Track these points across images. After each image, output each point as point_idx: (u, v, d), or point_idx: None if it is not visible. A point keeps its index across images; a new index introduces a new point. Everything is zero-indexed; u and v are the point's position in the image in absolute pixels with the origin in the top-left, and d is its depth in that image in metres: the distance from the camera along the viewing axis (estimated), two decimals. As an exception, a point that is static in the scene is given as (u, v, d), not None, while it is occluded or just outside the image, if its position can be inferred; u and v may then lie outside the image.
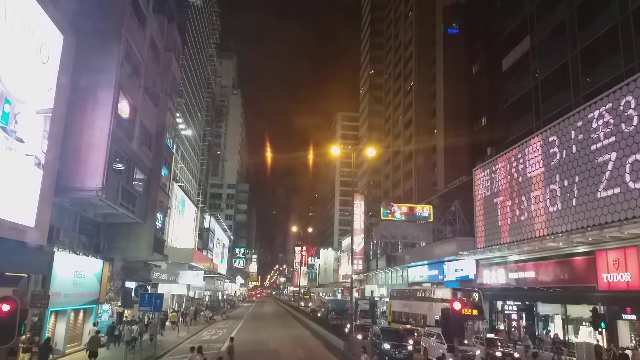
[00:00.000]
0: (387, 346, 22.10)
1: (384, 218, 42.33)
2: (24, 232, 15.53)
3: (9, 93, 14.34)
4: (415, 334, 26.46)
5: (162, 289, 35.00)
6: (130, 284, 28.24)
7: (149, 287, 30.46)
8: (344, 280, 72.10)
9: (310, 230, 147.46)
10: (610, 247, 20.04)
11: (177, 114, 36.65)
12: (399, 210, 42.57)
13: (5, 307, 10.74)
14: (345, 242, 77.13)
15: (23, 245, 15.67)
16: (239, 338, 30.32)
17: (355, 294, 55.95)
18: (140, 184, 25.26)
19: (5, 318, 10.76)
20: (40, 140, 16.44)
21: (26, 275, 17.09)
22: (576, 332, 22.88)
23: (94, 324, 22.75)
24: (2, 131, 14.10)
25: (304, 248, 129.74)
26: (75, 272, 20.79)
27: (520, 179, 26.68)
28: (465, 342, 21.67)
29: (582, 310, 22.27)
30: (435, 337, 22.73)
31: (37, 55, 15.97)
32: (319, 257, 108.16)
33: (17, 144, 14.94)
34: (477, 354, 21.14)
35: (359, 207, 53.49)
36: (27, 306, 16.62)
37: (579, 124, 21.65)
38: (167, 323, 34.70)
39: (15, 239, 15.05)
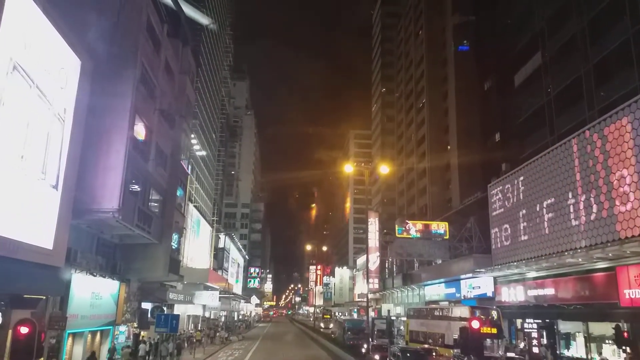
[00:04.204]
0: None
1: (399, 236, 42.00)
2: (43, 255, 15.74)
3: (29, 118, 14.68)
4: (434, 353, 25.94)
5: (178, 309, 35.00)
6: (147, 305, 28.35)
7: (165, 308, 30.52)
8: (359, 300, 71.35)
9: (324, 248, 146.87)
10: (632, 263, 19.61)
11: (192, 135, 37.10)
12: (414, 228, 42.23)
13: (24, 330, 10.88)
14: (360, 260, 76.57)
15: (41, 267, 15.85)
16: (255, 359, 30.13)
17: (372, 313, 55.33)
18: (156, 204, 25.51)
19: (24, 340, 10.88)
20: (57, 163, 16.75)
21: (44, 298, 17.24)
22: (599, 351, 22.28)
23: (127, 347, 22.93)
24: (20, 158, 14.42)
25: (319, 267, 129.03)
26: (92, 293, 20.93)
27: (538, 193, 26.37)
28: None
29: (604, 328, 21.72)
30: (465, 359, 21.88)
31: (56, 81, 16.37)
32: (334, 276, 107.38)
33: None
34: None
35: (373, 225, 53.20)
36: (45, 328, 16.76)
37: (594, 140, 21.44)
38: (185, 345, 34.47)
39: (34, 261, 15.24)
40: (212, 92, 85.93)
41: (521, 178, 28.38)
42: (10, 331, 13.49)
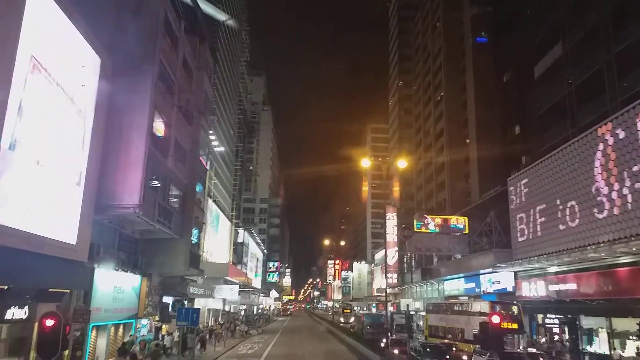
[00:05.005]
0: None
1: (418, 230, 41.76)
2: (67, 250, 16.09)
3: (52, 116, 14.98)
4: (454, 348, 25.81)
5: (198, 303, 35.45)
6: (168, 299, 28.76)
7: (185, 302, 30.93)
8: (378, 294, 71.26)
9: (342, 243, 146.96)
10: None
11: (210, 131, 37.38)
12: (433, 222, 41.92)
13: (49, 322, 11.11)
14: (379, 255, 76.41)
15: (66, 262, 16.23)
16: (274, 353, 30.38)
17: (390, 308, 55.20)
18: (175, 200, 25.82)
19: (49, 333, 11.12)
20: (79, 160, 17.07)
21: (69, 291, 17.65)
22: (623, 347, 21.91)
23: (151, 340, 23.36)
24: (43, 156, 14.71)
25: (337, 261, 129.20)
26: (114, 287, 21.34)
27: (560, 187, 25.94)
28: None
29: (629, 324, 21.33)
30: (488, 355, 21.45)
31: (77, 78, 16.65)
32: (352, 271, 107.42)
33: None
34: None
35: (391, 220, 53.02)
36: (70, 321, 17.15)
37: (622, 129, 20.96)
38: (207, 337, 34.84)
39: (58, 256, 15.61)
40: (230, 88, 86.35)
41: (542, 171, 27.93)
42: (36, 324, 13.85)
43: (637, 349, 19.97)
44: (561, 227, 25.27)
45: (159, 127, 22.60)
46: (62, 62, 15.65)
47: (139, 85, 20.68)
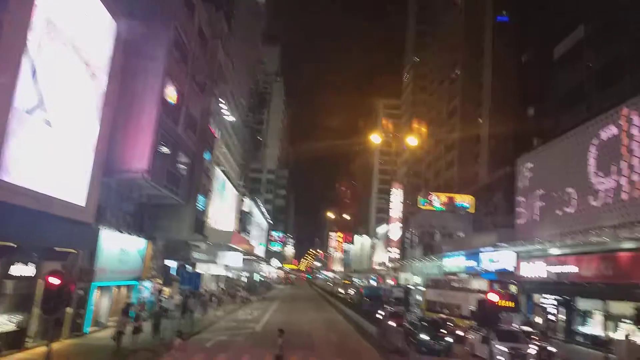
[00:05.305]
0: (425, 337, 21.31)
1: (422, 207, 41.98)
2: (75, 210, 16.46)
3: (63, 77, 15.10)
4: (451, 324, 26.24)
5: (201, 268, 36.09)
6: (171, 263, 29.31)
7: (189, 267, 31.55)
8: (378, 268, 72.08)
9: (347, 216, 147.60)
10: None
11: (222, 100, 37.38)
12: (438, 200, 42.12)
13: (55, 280, 11.47)
14: (382, 229, 76.91)
15: (73, 222, 16.61)
16: (273, 320, 31.07)
17: (390, 282, 55.90)
18: (184, 167, 26.08)
19: (54, 291, 11.49)
20: (91, 123, 17.27)
21: (75, 251, 18.05)
22: (615, 329, 22.19)
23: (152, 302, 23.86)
24: (55, 116, 14.90)
25: (340, 234, 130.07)
26: (120, 249, 21.79)
27: (565, 170, 25.90)
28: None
29: (624, 307, 21.56)
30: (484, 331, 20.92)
31: (92, 41, 16.68)
32: (354, 244, 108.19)
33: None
34: (530, 353, 19.09)
35: (397, 196, 53.25)
36: (74, 280, 17.64)
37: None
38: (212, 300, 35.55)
39: (66, 216, 15.97)
40: (243, 58, 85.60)
41: (552, 153, 27.82)
42: (40, 281, 14.28)
43: (627, 331, 20.29)
44: (566, 209, 25.34)
45: (172, 94, 22.68)
46: (77, 26, 15.69)
47: (153, 52, 20.72)
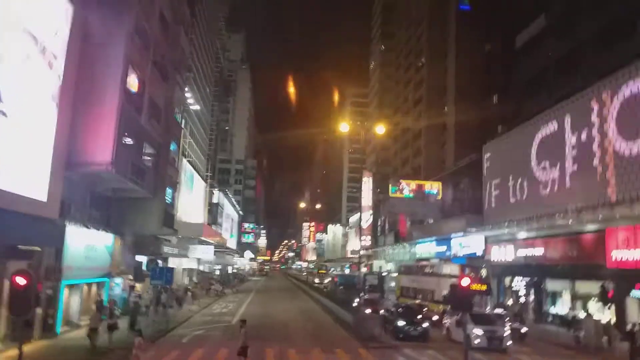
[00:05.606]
0: (401, 323, 21.42)
1: (393, 195, 42.28)
2: (37, 206, 15.74)
3: (19, 67, 14.31)
4: (425, 309, 26.53)
5: (173, 262, 35.44)
6: (142, 258, 28.60)
7: (159, 262, 30.87)
8: (352, 256, 72.57)
9: (318, 206, 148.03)
10: (621, 225, 19.90)
11: (186, 89, 36.48)
12: (408, 187, 42.46)
13: (21, 281, 10.93)
14: (353, 218, 77.35)
15: (36, 219, 15.89)
16: (249, 312, 30.81)
17: (364, 269, 56.35)
18: (149, 158, 25.34)
19: (21, 291, 10.97)
20: (48, 113, 16.48)
21: (40, 249, 17.34)
22: (584, 308, 22.94)
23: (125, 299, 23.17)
24: (10, 107, 14.14)
25: (312, 224, 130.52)
26: (86, 245, 21.00)
27: (529, 156, 26.47)
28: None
29: (590, 287, 22.29)
30: (458, 315, 21.60)
31: (49, 27, 15.86)
32: (327, 233, 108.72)
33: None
34: (505, 335, 19.39)
35: (367, 184, 53.55)
36: (41, 279, 16.95)
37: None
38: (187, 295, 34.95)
39: (28, 212, 15.25)
40: (207, 45, 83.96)
41: (515, 139, 28.36)
42: (6, 282, 13.64)
43: (592, 310, 21.16)
44: (532, 194, 25.95)
45: (133, 83, 21.84)
46: (31, 10, 14.87)
47: (113, 37, 19.87)
